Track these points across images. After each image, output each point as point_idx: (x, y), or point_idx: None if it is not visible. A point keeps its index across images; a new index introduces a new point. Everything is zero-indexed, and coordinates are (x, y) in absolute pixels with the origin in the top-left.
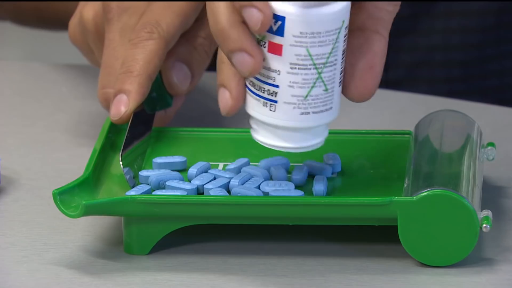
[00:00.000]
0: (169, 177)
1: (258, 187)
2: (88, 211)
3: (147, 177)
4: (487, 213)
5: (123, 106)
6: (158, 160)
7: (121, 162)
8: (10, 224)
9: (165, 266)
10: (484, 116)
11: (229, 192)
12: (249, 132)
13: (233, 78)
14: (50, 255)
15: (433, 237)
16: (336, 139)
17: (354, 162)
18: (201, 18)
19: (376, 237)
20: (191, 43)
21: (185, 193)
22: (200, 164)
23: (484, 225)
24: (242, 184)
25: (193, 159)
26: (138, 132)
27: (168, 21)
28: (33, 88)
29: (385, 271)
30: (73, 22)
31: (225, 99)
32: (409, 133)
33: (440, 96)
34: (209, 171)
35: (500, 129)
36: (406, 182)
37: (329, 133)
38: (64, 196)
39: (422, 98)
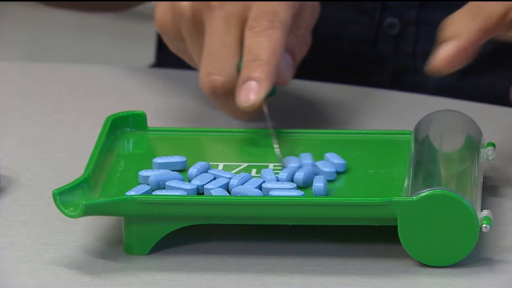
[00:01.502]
0: (169, 177)
1: (259, 187)
2: (88, 211)
3: (147, 177)
4: (487, 213)
5: (253, 93)
6: (158, 160)
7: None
8: (10, 224)
9: (164, 266)
10: (484, 116)
11: (229, 192)
12: (248, 132)
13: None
14: (50, 255)
15: (433, 237)
16: (336, 139)
17: (354, 162)
18: (299, 9)
19: (376, 237)
20: (294, 33)
21: (185, 193)
22: (200, 164)
23: (484, 225)
24: (242, 184)
25: (193, 159)
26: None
27: (284, 10)
28: (33, 88)
29: (385, 271)
30: (163, 8)
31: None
32: (409, 133)
33: (440, 96)
34: (209, 171)
35: (500, 129)
36: (406, 182)
37: (329, 133)
38: (64, 196)
39: (422, 98)
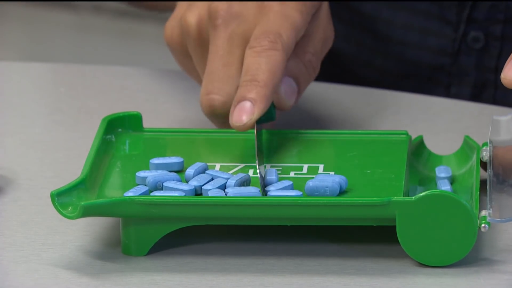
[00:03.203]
0: (166, 178)
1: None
2: (86, 212)
3: (144, 178)
4: (486, 213)
5: (246, 114)
6: (155, 161)
7: (259, 170)
8: (9, 224)
9: (163, 267)
10: (483, 116)
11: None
12: (246, 133)
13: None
14: (49, 255)
15: (432, 237)
16: (333, 139)
17: (351, 162)
18: (308, 34)
19: (374, 237)
20: (300, 58)
21: (183, 194)
22: (198, 165)
23: (483, 225)
24: (240, 185)
25: (190, 160)
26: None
27: (287, 33)
28: (32, 88)
29: (383, 271)
30: (171, 24)
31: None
32: (405, 133)
33: (440, 96)
34: (206, 171)
35: None
36: (404, 182)
37: (326, 133)
38: (62, 198)
39: (421, 98)
